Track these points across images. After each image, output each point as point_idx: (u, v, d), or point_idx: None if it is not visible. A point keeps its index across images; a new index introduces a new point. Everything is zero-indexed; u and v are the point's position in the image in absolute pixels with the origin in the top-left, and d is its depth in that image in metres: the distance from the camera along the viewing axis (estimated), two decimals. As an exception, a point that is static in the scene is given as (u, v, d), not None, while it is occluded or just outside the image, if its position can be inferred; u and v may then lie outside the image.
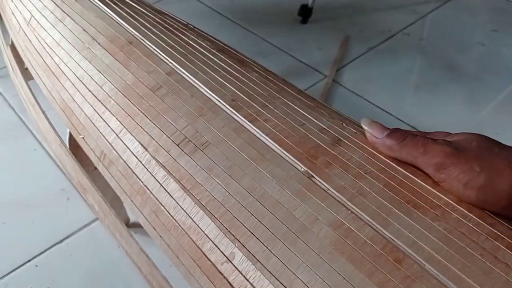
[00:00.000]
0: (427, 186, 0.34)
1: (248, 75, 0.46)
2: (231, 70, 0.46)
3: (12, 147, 0.84)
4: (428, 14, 1.20)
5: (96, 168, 0.56)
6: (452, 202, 0.33)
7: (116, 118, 0.43)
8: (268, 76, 0.47)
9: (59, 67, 0.51)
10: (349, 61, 1.04)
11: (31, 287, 0.63)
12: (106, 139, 0.43)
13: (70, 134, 0.50)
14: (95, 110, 0.45)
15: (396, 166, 0.35)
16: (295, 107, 0.42)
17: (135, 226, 0.68)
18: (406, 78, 1.00)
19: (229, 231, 0.33)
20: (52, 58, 0.53)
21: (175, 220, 0.36)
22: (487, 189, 0.31)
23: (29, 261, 0.66)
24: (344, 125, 0.41)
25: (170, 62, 0.46)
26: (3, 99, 0.95)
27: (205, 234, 0.34)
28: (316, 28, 1.14)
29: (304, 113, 0.41)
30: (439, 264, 0.29)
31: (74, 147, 0.51)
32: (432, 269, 0.29)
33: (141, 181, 0.39)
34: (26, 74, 0.63)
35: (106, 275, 0.63)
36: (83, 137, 0.46)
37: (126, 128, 0.42)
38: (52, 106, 0.52)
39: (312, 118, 0.40)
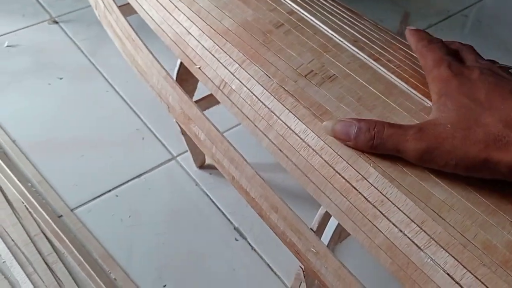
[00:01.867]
0: None
1: (362, 21, 0.48)
2: (346, 16, 0.48)
3: (85, 88, 0.87)
4: (487, -3, 1.20)
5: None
6: None
7: (238, 50, 0.46)
8: (378, 25, 0.49)
9: (171, 2, 0.54)
10: (410, 35, 1.05)
11: (113, 214, 0.66)
12: (228, 69, 0.46)
13: (180, 66, 0.53)
14: (215, 42, 0.48)
15: None
16: (411, 53, 0.44)
17: (210, 167, 0.71)
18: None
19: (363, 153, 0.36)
20: (162, -6, 0.55)
21: (305, 142, 0.39)
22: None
23: (109, 191, 0.69)
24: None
25: (289, 3, 0.48)
26: (72, 43, 0.98)
27: (338, 154, 0.37)
28: (375, 2, 1.15)
29: (421, 59, 0.43)
30: None
31: (180, 80, 0.54)
32: None
33: (268, 107, 0.42)
34: (123, 10, 0.65)
35: (186, 210, 0.66)
36: (199, 67, 0.48)
37: (250, 60, 0.45)
38: (161, 39, 0.54)
39: (430, 64, 0.43)
